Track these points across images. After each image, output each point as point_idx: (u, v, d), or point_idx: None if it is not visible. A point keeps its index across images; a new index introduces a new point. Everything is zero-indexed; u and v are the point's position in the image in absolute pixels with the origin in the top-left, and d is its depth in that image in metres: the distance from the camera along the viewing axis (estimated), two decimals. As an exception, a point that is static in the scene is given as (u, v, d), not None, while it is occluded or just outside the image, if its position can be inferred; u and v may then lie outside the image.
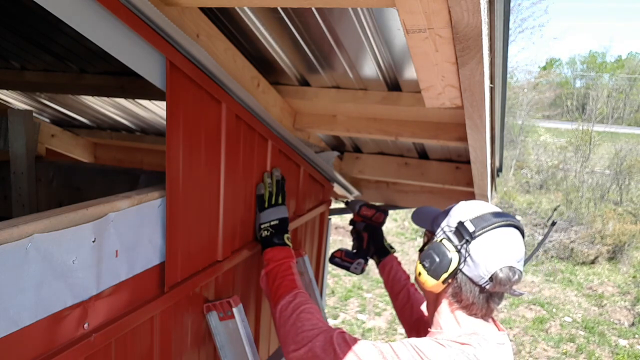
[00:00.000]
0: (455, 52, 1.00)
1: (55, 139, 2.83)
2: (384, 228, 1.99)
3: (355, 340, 1.13)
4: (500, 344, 1.13)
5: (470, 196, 2.53)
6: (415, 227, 11.05)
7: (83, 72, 2.22)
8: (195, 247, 1.31)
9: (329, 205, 2.52)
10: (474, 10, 0.82)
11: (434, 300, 1.24)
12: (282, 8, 1.32)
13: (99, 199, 1.00)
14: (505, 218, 1.15)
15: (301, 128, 2.06)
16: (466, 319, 1.16)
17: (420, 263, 1.21)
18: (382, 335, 7.03)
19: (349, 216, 2.10)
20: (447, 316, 1.19)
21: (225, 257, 1.46)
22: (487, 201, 2.51)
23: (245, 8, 1.33)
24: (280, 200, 1.62)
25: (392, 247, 1.94)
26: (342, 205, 2.33)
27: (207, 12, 1.34)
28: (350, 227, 2.04)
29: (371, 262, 1.97)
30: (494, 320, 1.21)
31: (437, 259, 1.15)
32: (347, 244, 2.10)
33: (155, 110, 2.49)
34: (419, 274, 1.20)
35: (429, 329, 1.26)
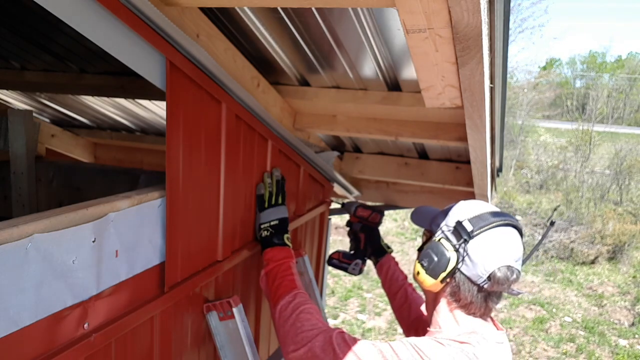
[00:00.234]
0: (455, 52, 1.00)
1: (55, 139, 2.83)
2: (384, 228, 2.00)
3: (354, 340, 1.13)
4: (499, 342, 1.14)
5: (470, 196, 2.53)
6: (416, 227, 11.04)
7: (83, 72, 2.22)
8: (195, 247, 1.31)
9: (329, 205, 2.52)
10: (474, 10, 0.82)
11: (433, 300, 1.24)
12: (282, 8, 1.32)
13: (99, 199, 1.00)
14: (503, 217, 1.15)
15: (301, 128, 2.06)
16: (465, 318, 1.16)
17: (418, 262, 1.21)
18: (382, 335, 7.03)
19: (348, 216, 2.11)
20: (446, 315, 1.19)
21: (225, 257, 1.46)
22: (487, 201, 2.52)
23: (245, 8, 1.33)
24: (280, 200, 1.62)
25: (389, 247, 1.94)
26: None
27: (207, 12, 1.34)
28: (347, 229, 2.05)
29: (370, 263, 1.98)
30: (492, 320, 1.21)
31: (436, 258, 1.15)
32: (347, 244, 2.11)
33: (155, 110, 2.49)
34: (418, 273, 1.21)
35: (428, 329, 1.26)
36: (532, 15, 20.41)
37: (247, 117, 1.47)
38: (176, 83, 1.12)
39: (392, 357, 1.06)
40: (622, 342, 7.31)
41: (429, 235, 1.31)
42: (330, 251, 2.12)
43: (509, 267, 1.10)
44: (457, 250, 1.13)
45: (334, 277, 8.68)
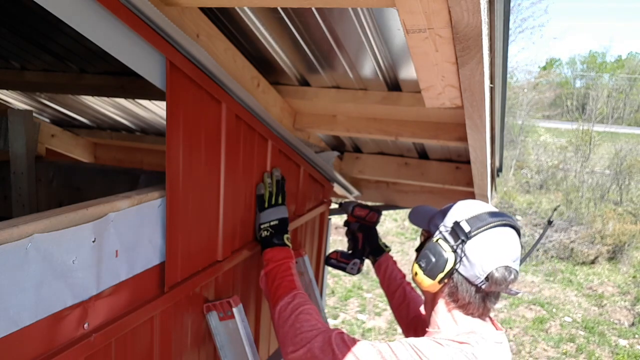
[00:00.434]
0: (455, 52, 1.00)
1: (55, 139, 2.83)
2: (383, 228, 2.00)
3: (353, 341, 1.13)
4: (498, 342, 1.14)
5: (470, 196, 2.53)
6: (416, 227, 11.04)
7: (83, 72, 2.22)
8: (195, 247, 1.31)
9: (329, 205, 2.52)
10: (474, 10, 0.82)
11: (431, 300, 1.24)
12: (282, 8, 1.32)
13: (99, 199, 1.00)
14: (501, 218, 1.15)
15: (301, 128, 2.06)
16: (463, 318, 1.16)
17: (416, 263, 1.21)
18: (382, 335, 7.03)
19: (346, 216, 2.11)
20: (445, 316, 1.19)
21: (225, 257, 1.46)
22: (487, 201, 2.52)
23: (245, 8, 1.33)
24: (280, 201, 1.62)
25: (387, 246, 1.94)
26: (341, 205, 2.33)
27: (207, 12, 1.34)
28: (345, 228, 2.05)
29: (368, 262, 1.98)
30: (491, 320, 1.21)
31: (433, 259, 1.15)
32: (347, 243, 2.11)
33: (155, 110, 2.49)
34: (416, 273, 1.21)
35: (426, 329, 1.26)
36: (532, 15, 20.44)
37: (247, 117, 1.47)
38: (176, 83, 1.12)
39: (390, 357, 1.06)
40: (622, 342, 7.31)
41: (427, 235, 1.31)
42: (330, 251, 2.12)
43: (506, 268, 1.10)
44: (454, 251, 1.13)
45: (334, 277, 8.68)
